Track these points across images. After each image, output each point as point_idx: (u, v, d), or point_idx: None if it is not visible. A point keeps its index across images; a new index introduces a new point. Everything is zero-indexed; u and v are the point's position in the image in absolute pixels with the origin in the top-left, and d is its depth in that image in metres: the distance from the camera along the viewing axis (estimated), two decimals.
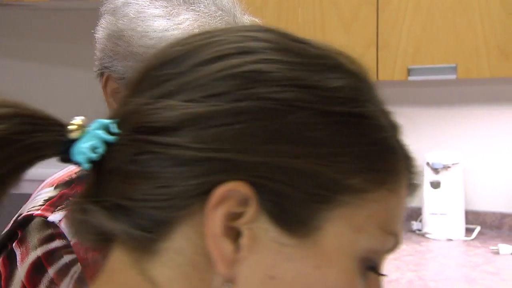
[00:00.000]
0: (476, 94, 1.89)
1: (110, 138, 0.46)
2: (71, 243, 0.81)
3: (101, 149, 0.46)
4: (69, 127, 0.46)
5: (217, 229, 0.43)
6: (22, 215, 0.83)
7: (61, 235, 0.81)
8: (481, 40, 1.78)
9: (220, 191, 0.43)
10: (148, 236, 0.45)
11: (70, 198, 0.85)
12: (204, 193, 0.44)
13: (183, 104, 0.44)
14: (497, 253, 1.92)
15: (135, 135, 0.45)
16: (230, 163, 0.44)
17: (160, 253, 0.45)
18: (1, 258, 0.81)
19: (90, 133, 0.46)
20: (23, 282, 0.79)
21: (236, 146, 0.44)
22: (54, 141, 0.46)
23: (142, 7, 0.82)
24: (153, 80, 0.47)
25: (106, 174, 0.46)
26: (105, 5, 0.86)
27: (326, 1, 1.88)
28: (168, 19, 0.80)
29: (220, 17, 0.81)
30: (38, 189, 0.89)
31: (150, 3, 0.82)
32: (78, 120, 0.47)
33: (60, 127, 0.47)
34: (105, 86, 0.86)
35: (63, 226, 0.81)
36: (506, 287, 1.65)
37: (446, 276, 1.77)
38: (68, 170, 0.91)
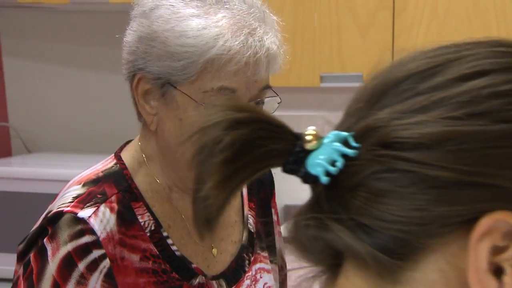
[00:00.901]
0: None
1: (350, 151, 0.42)
2: (100, 238, 0.83)
3: (340, 163, 0.42)
4: (306, 137, 0.43)
5: (483, 264, 0.39)
6: (52, 212, 0.85)
7: (91, 231, 0.82)
8: None
9: (488, 221, 0.39)
10: (394, 262, 0.41)
11: (98, 196, 0.87)
12: (466, 221, 0.40)
13: (441, 121, 0.41)
14: None
15: (382, 150, 0.42)
16: (498, 191, 0.40)
17: (406, 283, 0.41)
18: (33, 253, 0.83)
19: (328, 145, 0.43)
20: (54, 277, 0.81)
21: (505, 172, 0.40)
22: (287, 150, 0.43)
23: (177, 8, 0.83)
24: (399, 94, 0.44)
25: (345, 190, 0.43)
26: (136, 9, 0.88)
27: (342, 6, 1.89)
28: (205, 18, 0.82)
29: (253, 14, 0.84)
30: (65, 188, 0.91)
31: (184, 4, 0.84)
32: (312, 130, 0.44)
33: (293, 136, 0.44)
34: (136, 88, 0.88)
35: (92, 222, 0.83)
36: None
37: None
38: (95, 169, 0.92)
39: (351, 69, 1.91)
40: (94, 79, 2.55)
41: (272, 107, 0.91)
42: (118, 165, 0.92)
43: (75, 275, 0.81)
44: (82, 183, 0.89)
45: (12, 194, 2.00)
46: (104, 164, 0.93)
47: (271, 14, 0.90)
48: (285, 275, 1.13)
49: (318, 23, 1.92)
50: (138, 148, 0.93)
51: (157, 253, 0.88)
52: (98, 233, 0.83)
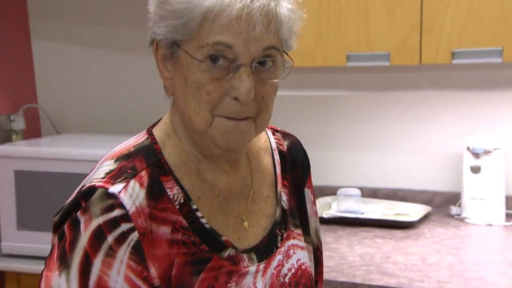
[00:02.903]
0: None
1: None
2: (129, 212, 0.84)
3: None
4: None
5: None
6: (85, 186, 0.87)
7: (120, 205, 0.84)
8: None
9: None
10: None
11: (129, 171, 0.88)
12: None
13: None
14: None
15: None
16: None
17: None
18: (67, 224, 0.86)
19: None
20: (85, 248, 0.83)
21: None
22: None
23: None
24: None
25: None
26: None
27: None
28: None
29: None
30: (99, 162, 0.93)
31: None
32: None
33: None
34: (156, 53, 0.91)
35: (122, 197, 0.85)
36: None
37: (487, 260, 1.77)
38: (127, 144, 0.94)
39: (378, 48, 1.89)
40: (122, 60, 2.57)
41: (285, 71, 0.90)
42: (149, 139, 0.94)
43: (105, 247, 0.83)
44: (114, 158, 0.91)
45: (41, 174, 2.04)
46: (136, 139, 0.95)
47: None
48: (321, 253, 1.14)
49: (345, 2, 1.91)
50: (167, 121, 0.96)
51: (187, 225, 0.89)
52: (128, 207, 0.85)
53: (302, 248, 1.03)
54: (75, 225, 0.85)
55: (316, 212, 1.11)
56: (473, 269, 1.67)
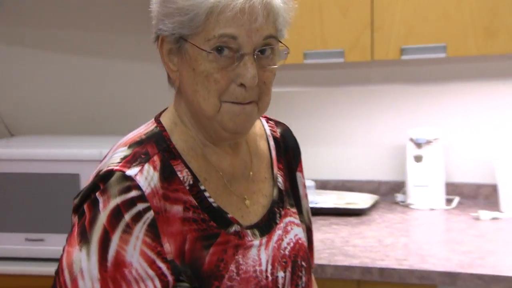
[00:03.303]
0: (464, 71, 2.03)
1: None
2: (145, 193, 0.91)
3: None
4: None
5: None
6: (103, 170, 0.93)
7: (137, 187, 0.91)
8: (469, 20, 1.89)
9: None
10: None
11: (142, 156, 0.95)
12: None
13: None
14: (477, 219, 2.07)
15: None
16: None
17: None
18: (86, 204, 0.92)
19: None
20: (104, 225, 0.89)
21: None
22: None
23: None
24: None
25: None
26: None
27: None
28: None
29: None
30: (113, 149, 0.99)
31: None
32: None
33: None
34: (161, 48, 0.98)
35: (138, 179, 0.91)
36: (494, 247, 1.80)
37: (436, 239, 1.91)
38: (138, 132, 1.00)
39: (333, 46, 1.99)
40: (74, 62, 2.56)
41: (282, 56, 0.98)
42: (158, 127, 1.00)
43: (122, 225, 0.89)
44: (128, 145, 0.97)
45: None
46: (146, 127, 1.01)
47: None
48: (311, 232, 1.23)
49: (300, 2, 1.99)
50: (173, 111, 1.02)
51: (196, 204, 0.96)
52: (144, 188, 0.91)
53: (297, 225, 1.11)
54: (94, 205, 0.90)
55: (306, 195, 1.21)
56: (426, 248, 1.80)
